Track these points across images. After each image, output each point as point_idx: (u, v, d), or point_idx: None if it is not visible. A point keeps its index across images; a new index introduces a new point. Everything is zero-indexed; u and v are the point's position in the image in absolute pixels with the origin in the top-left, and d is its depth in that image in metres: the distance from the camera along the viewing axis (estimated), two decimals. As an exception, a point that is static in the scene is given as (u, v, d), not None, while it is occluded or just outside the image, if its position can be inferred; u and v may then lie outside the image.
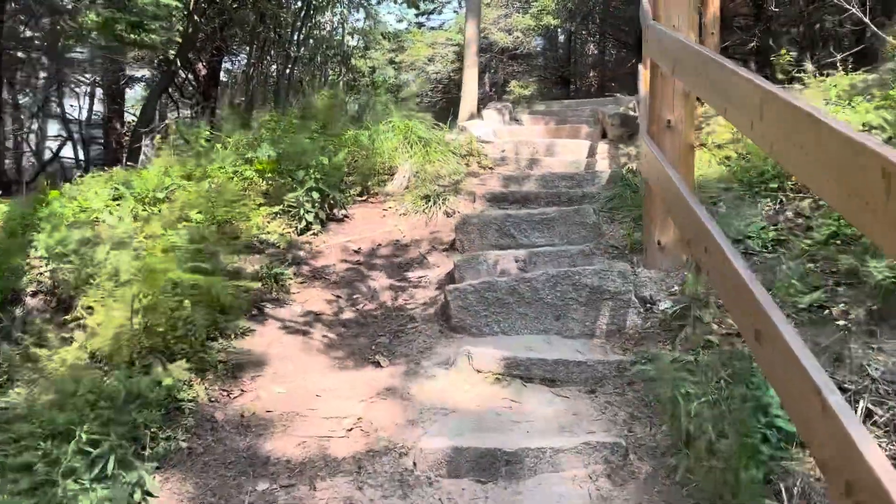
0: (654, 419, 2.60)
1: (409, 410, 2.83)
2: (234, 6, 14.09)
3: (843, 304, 2.78)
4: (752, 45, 11.23)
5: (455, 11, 21.24)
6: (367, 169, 5.36)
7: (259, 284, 3.91)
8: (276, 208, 4.70)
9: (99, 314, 3.39)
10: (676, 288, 3.39)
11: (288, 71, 16.58)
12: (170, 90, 16.14)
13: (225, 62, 18.34)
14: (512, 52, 18.50)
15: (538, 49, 20.51)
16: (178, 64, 13.51)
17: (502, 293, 3.52)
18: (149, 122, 13.15)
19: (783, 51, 5.53)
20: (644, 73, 5.89)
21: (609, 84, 18.84)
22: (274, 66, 17.23)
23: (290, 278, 4.04)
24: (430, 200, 4.94)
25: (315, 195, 4.62)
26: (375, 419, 2.77)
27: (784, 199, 3.93)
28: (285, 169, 4.95)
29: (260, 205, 4.73)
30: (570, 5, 16.06)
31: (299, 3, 15.67)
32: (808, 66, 5.05)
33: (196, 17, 12.30)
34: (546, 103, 9.35)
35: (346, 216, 4.92)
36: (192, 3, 11.81)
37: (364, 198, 5.26)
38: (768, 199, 4.08)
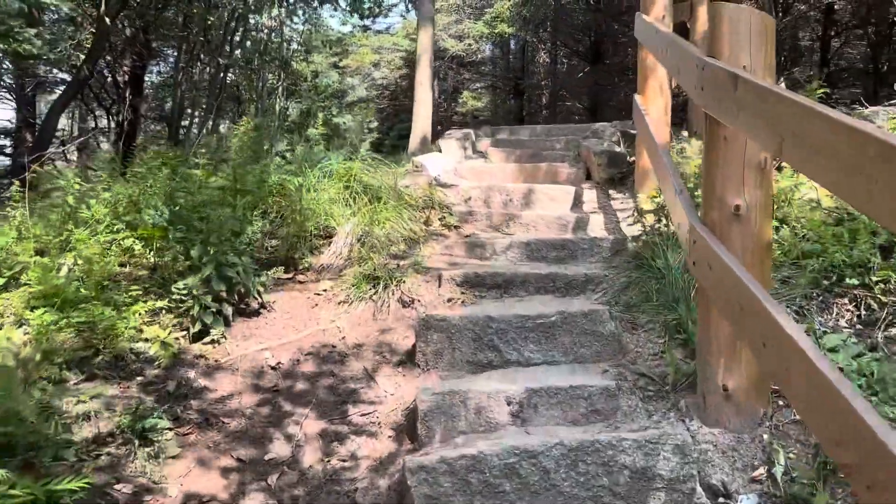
0: None
1: None
2: (157, 7, 12.54)
3: None
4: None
5: (402, 16, 20.06)
6: (295, 234, 4.03)
7: (117, 446, 2.56)
8: (162, 302, 3.34)
9: None
10: (762, 470, 2.21)
11: (221, 76, 15.08)
12: (84, 99, 14.41)
13: (154, 66, 16.68)
14: (463, 59, 17.43)
15: (490, 57, 19.55)
16: (88, 71, 11.82)
17: (494, 475, 2.27)
18: (51, 135, 11.42)
19: (816, 83, 4.48)
20: (643, 105, 4.75)
21: (560, 93, 17.89)
22: (207, 71, 15.67)
23: (168, 429, 2.69)
24: (379, 283, 3.65)
25: (217, 285, 3.28)
26: None
27: (874, 305, 2.82)
28: (179, 238, 3.60)
29: (139, 296, 3.37)
30: (526, 13, 15.05)
31: (231, 5, 14.18)
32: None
33: (107, 21, 10.68)
34: (511, 129, 8.16)
35: (262, 307, 3.58)
36: (102, 5, 10.20)
37: (290, 275, 3.92)
38: (846, 300, 2.98)
